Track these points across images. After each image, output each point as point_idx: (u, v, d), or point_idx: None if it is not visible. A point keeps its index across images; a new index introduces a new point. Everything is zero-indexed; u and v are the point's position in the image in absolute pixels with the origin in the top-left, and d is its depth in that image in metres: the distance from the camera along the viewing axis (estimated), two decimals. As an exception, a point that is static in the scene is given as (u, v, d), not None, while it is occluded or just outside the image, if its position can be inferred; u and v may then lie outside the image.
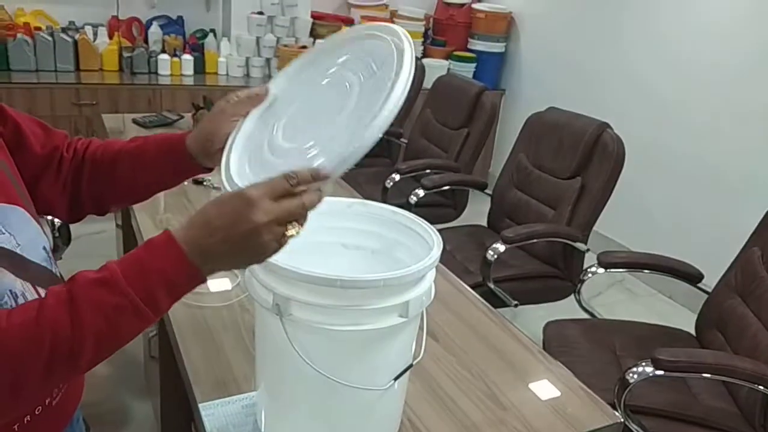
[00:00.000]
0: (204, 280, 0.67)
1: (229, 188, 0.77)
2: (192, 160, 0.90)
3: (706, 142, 3.10)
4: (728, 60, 2.97)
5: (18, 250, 0.74)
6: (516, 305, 2.05)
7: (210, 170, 0.93)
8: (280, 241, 0.68)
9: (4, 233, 0.72)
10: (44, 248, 0.80)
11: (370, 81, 0.81)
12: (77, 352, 0.62)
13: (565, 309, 2.29)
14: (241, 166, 0.82)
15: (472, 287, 1.54)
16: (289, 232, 0.67)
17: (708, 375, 1.47)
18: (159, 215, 1.75)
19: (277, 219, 0.66)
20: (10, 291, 0.70)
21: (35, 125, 0.91)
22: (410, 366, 0.93)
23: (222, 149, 0.85)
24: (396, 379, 0.91)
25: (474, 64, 4.35)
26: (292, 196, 0.67)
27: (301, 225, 0.69)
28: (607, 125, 2.22)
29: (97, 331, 0.62)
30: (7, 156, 0.82)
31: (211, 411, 1.02)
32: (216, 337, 1.21)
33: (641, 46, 3.42)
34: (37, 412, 0.79)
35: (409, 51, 0.79)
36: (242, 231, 0.65)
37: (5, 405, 0.61)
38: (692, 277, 1.95)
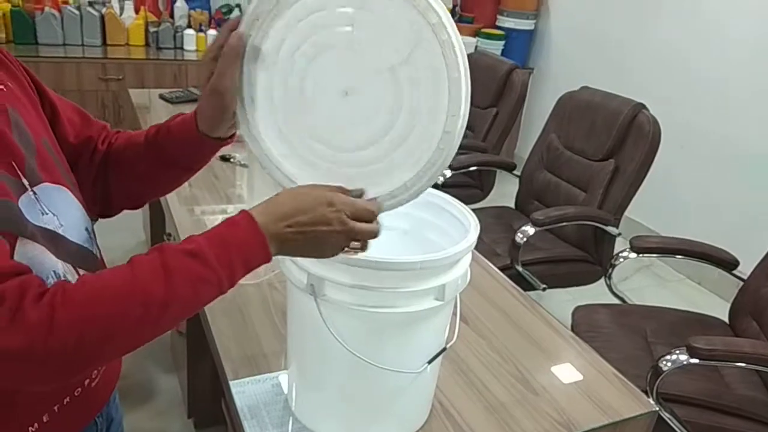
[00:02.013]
0: (270, 260, 0.70)
1: (263, 154, 0.78)
2: (202, 140, 0.85)
3: (744, 124, 2.99)
4: (770, 39, 2.86)
5: (60, 231, 0.73)
6: (544, 289, 2.02)
7: (232, 138, 0.88)
8: (338, 251, 0.74)
9: (47, 213, 0.71)
10: (87, 229, 0.79)
11: (416, 71, 0.73)
12: (163, 315, 0.64)
13: (591, 293, 2.25)
14: (275, 136, 0.79)
15: (500, 270, 1.52)
16: (351, 252, 0.74)
17: (743, 364, 1.43)
18: (185, 191, 1.75)
19: (348, 234, 0.72)
20: (54, 272, 0.70)
21: (74, 113, 0.88)
22: (444, 349, 0.92)
23: (230, 116, 0.81)
24: (430, 362, 0.89)
25: (502, 42, 4.26)
26: (368, 223, 0.74)
27: (363, 250, 0.76)
28: (643, 106, 2.15)
29: (183, 298, 0.65)
30: (50, 134, 0.80)
31: (241, 389, 1.01)
32: (245, 315, 1.21)
33: (678, 24, 3.31)
34: (76, 393, 0.79)
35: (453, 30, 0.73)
36: (319, 229, 0.71)
37: (90, 356, 0.61)
38: (727, 263, 1.90)
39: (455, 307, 0.95)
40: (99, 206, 0.92)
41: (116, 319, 0.61)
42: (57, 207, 0.73)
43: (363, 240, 0.75)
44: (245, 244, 0.68)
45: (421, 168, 0.76)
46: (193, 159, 0.90)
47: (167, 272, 0.64)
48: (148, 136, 0.89)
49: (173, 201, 1.69)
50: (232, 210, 1.72)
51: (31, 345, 0.57)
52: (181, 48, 3.69)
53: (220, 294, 0.68)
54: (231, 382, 1.03)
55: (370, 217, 0.74)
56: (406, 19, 0.72)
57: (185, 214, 1.65)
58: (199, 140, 0.85)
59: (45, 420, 0.75)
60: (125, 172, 0.90)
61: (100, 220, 1.86)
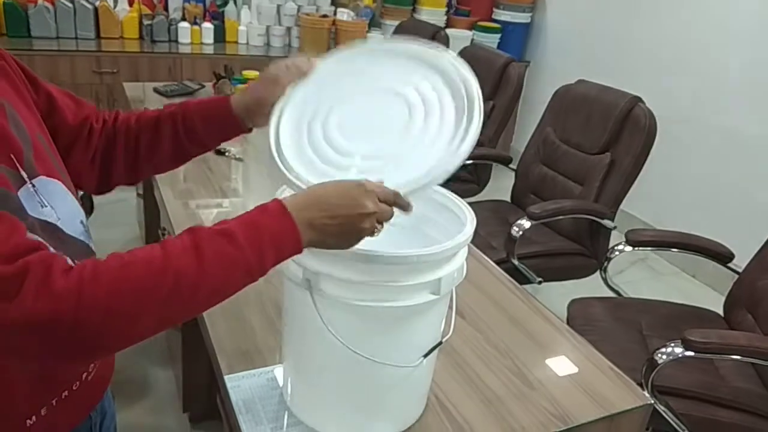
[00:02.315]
0: (300, 251, 0.70)
1: (280, 165, 0.81)
2: (238, 122, 0.94)
3: (740, 117, 3.00)
4: None
5: (59, 224, 0.73)
6: (540, 282, 2.02)
7: (251, 131, 0.97)
8: (368, 235, 0.73)
9: (46, 206, 0.72)
10: (81, 222, 0.79)
11: (436, 103, 0.85)
12: (193, 294, 0.63)
13: (586, 287, 2.26)
14: (294, 148, 0.85)
15: (496, 263, 1.51)
16: (377, 232, 0.74)
17: (738, 357, 1.43)
18: (180, 185, 1.75)
19: (378, 216, 0.73)
20: None
21: (66, 96, 0.91)
22: (439, 343, 0.92)
23: (268, 114, 0.89)
24: (425, 356, 0.89)
25: (498, 35, 4.25)
26: (390, 206, 0.75)
27: (379, 231, 0.76)
28: (639, 99, 2.15)
29: (214, 279, 0.64)
30: (44, 129, 0.81)
31: (236, 383, 1.01)
32: (239, 308, 1.20)
33: (675, 16, 3.30)
34: (74, 388, 0.79)
35: (474, 81, 0.85)
36: (353, 213, 0.71)
37: (118, 332, 0.60)
38: (722, 256, 1.90)
39: (451, 300, 0.95)
40: (96, 182, 0.95)
41: (146, 295, 0.60)
42: (54, 200, 0.74)
43: (383, 222, 0.76)
44: (276, 230, 0.68)
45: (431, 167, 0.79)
46: (217, 138, 0.97)
47: (197, 249, 0.63)
48: (170, 114, 0.95)
49: (168, 195, 1.68)
50: (227, 204, 1.71)
51: (58, 314, 0.56)
52: (176, 41, 3.67)
53: (249, 278, 0.67)
54: (226, 377, 1.03)
55: (396, 199, 0.76)
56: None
57: (180, 208, 1.64)
58: (230, 121, 0.94)
59: (43, 413, 0.75)
60: (140, 145, 0.94)
61: (93, 214, 1.86)
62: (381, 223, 0.75)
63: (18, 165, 0.68)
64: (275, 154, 0.84)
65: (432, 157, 0.79)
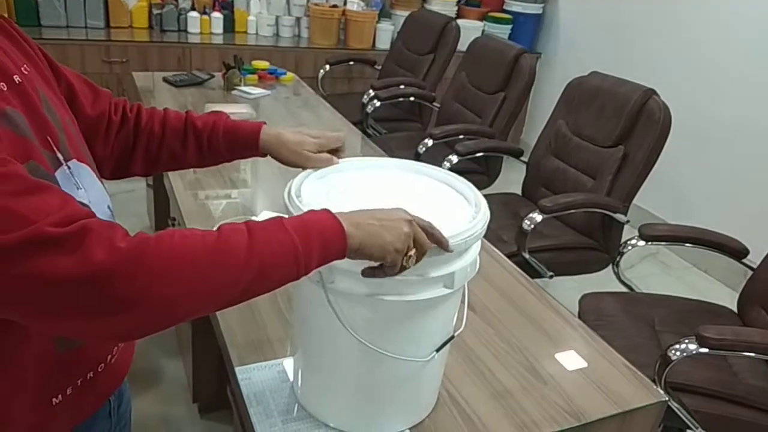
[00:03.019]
0: (345, 249, 0.71)
1: (289, 204, 0.83)
2: (260, 155, 0.99)
3: (756, 111, 2.95)
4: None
5: (91, 207, 0.74)
6: (551, 276, 2.00)
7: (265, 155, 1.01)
8: (399, 245, 0.73)
9: (81, 188, 0.74)
10: (108, 207, 0.81)
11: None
12: (242, 274, 0.64)
13: (596, 281, 2.24)
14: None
15: (507, 257, 1.50)
16: (409, 260, 0.75)
17: (753, 354, 1.41)
18: (190, 175, 1.74)
19: (415, 235, 0.75)
20: None
21: (84, 84, 0.92)
22: (452, 337, 0.90)
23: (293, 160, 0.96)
24: (438, 350, 0.88)
25: (510, 26, 4.20)
26: (426, 237, 0.77)
27: (416, 261, 0.76)
28: (654, 91, 2.12)
29: (262, 263, 0.65)
30: (71, 114, 0.82)
31: (247, 375, 1.00)
32: (251, 301, 1.19)
33: (690, 6, 3.25)
34: (99, 369, 0.80)
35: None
36: (394, 216, 0.74)
37: (167, 301, 0.61)
38: (737, 252, 1.88)
39: (463, 295, 0.93)
40: (111, 171, 0.97)
41: (200, 267, 0.62)
42: (84, 183, 0.75)
43: (420, 250, 0.76)
44: (322, 226, 0.70)
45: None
46: (235, 159, 1.02)
47: (249, 231, 0.66)
48: (197, 130, 0.98)
49: (178, 186, 1.67)
50: (236, 195, 1.71)
51: (120, 267, 0.58)
52: (185, 31, 3.66)
53: (296, 267, 0.68)
54: (237, 369, 1.02)
55: (431, 230, 0.77)
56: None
57: (190, 198, 1.63)
58: (254, 153, 0.99)
59: (68, 393, 0.76)
60: (162, 150, 0.97)
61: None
62: (413, 250, 0.75)
63: (54, 147, 0.70)
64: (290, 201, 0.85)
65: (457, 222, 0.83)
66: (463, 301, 0.93)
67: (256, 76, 2.79)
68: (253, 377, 1.00)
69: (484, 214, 0.85)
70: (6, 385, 0.70)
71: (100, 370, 0.80)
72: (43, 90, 0.74)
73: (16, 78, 0.69)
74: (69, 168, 0.72)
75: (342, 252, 0.71)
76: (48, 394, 0.74)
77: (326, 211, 0.72)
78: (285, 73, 2.93)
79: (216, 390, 1.88)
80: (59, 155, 0.71)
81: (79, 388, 0.77)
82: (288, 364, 1.04)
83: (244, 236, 0.65)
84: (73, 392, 0.76)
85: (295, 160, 0.96)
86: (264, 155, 0.99)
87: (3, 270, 0.55)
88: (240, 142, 0.98)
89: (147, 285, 0.59)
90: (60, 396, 0.75)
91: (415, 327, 0.85)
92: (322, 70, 3.68)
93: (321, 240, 0.69)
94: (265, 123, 1.01)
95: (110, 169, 0.97)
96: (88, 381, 0.78)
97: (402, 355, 0.84)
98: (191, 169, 1.76)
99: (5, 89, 0.66)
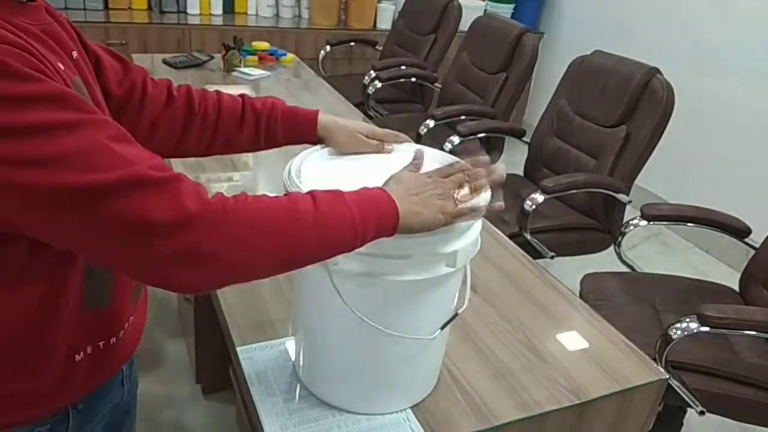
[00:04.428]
0: (394, 233, 0.74)
1: (289, 184, 0.83)
2: (316, 141, 0.99)
3: (761, 91, 2.92)
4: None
5: None
6: (552, 257, 2.00)
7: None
8: (449, 198, 0.78)
9: None
10: None
11: None
12: (307, 241, 0.67)
13: (598, 261, 2.23)
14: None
15: (509, 237, 1.50)
16: (460, 193, 0.80)
17: (754, 333, 1.42)
18: (190, 158, 1.73)
19: (442, 181, 0.80)
20: None
21: (114, 59, 0.92)
22: (455, 316, 0.91)
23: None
24: (442, 328, 0.88)
25: (512, 5, 4.16)
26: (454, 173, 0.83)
27: (471, 191, 0.82)
28: (657, 70, 2.10)
29: (326, 231, 0.68)
30: (103, 97, 0.82)
31: (248, 355, 1.01)
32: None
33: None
34: (120, 335, 0.82)
35: None
36: (420, 181, 0.79)
37: (243, 263, 0.64)
38: (739, 231, 1.87)
39: (465, 272, 0.93)
40: (169, 150, 0.97)
41: (275, 226, 0.65)
42: None
43: (462, 182, 0.82)
44: (379, 203, 0.73)
45: None
46: (291, 143, 1.00)
47: (314, 199, 0.69)
48: (255, 114, 0.97)
49: (179, 168, 1.67)
50: (238, 177, 1.70)
51: (207, 214, 0.61)
52: (185, 12, 3.63)
53: (351, 243, 0.70)
54: (238, 348, 1.03)
55: (452, 171, 0.83)
56: None
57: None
58: (311, 139, 0.98)
59: (89, 351, 0.77)
60: (213, 139, 0.97)
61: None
62: (459, 187, 0.81)
63: None
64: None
65: None
66: (465, 282, 0.93)
67: (256, 58, 2.77)
68: (254, 357, 1.01)
69: (487, 194, 0.85)
70: (44, 333, 0.72)
71: (120, 335, 0.82)
72: (85, 76, 0.77)
73: (74, 54, 0.73)
74: None
75: (393, 229, 0.73)
76: (73, 350, 0.75)
77: (381, 189, 0.75)
78: (285, 54, 2.91)
79: (218, 370, 1.89)
80: None
81: (101, 351, 0.79)
82: (290, 344, 1.04)
83: (310, 203, 0.68)
84: (94, 352, 0.78)
85: (349, 145, 0.97)
86: (318, 141, 0.99)
87: (102, 209, 0.57)
88: (299, 127, 0.98)
89: (229, 240, 0.62)
90: (82, 354, 0.76)
91: (418, 306, 0.85)
92: (322, 51, 3.65)
93: (376, 215, 0.71)
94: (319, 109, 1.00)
95: (156, 147, 0.97)
96: (110, 345, 0.80)
97: (404, 334, 0.84)
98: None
99: (69, 62, 0.70)
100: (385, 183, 0.79)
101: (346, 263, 0.78)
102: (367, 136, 0.98)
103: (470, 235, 0.84)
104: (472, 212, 0.79)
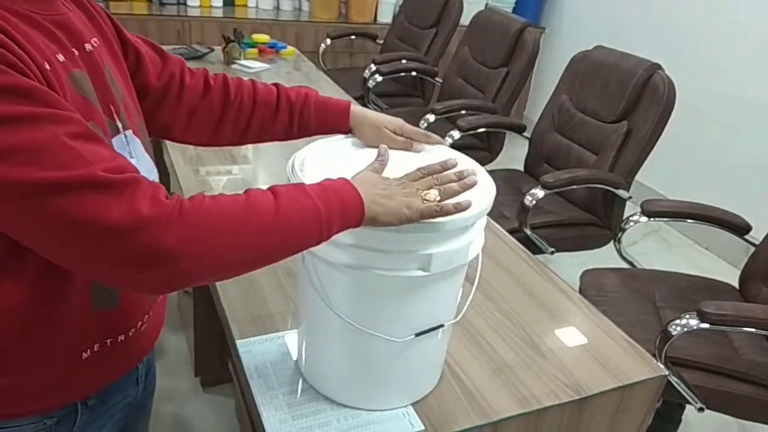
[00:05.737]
0: (361, 223, 0.73)
1: (292, 177, 0.83)
2: (347, 132, 0.99)
3: (760, 85, 2.91)
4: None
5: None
6: (552, 252, 2.00)
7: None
8: (415, 196, 0.77)
9: (133, 158, 0.76)
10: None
11: None
12: (269, 236, 0.66)
13: (598, 257, 2.24)
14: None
15: (508, 233, 1.50)
16: (428, 194, 0.78)
17: (753, 330, 1.42)
18: (190, 150, 1.73)
19: (409, 183, 0.79)
20: None
21: (152, 50, 0.93)
22: (439, 326, 0.89)
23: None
24: (417, 335, 0.87)
25: (513, 0, 4.14)
26: (422, 178, 0.82)
27: (446, 194, 0.80)
28: (659, 66, 2.09)
29: (288, 225, 0.67)
30: (131, 89, 0.83)
31: (248, 348, 1.01)
32: (251, 274, 1.19)
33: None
34: (130, 334, 0.81)
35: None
36: (385, 180, 0.79)
37: (198, 257, 0.63)
38: (739, 228, 1.87)
39: (459, 285, 0.93)
40: (196, 137, 0.98)
41: (232, 226, 0.64)
42: (136, 154, 0.78)
43: (430, 185, 0.80)
44: (342, 193, 0.72)
45: None
46: (322, 133, 1.00)
47: (275, 194, 0.68)
48: (289, 105, 0.97)
49: (178, 161, 1.66)
50: (237, 171, 1.70)
51: (163, 218, 0.60)
52: (185, 4, 3.61)
53: (318, 228, 0.69)
54: (238, 342, 1.02)
55: (421, 175, 0.82)
56: None
57: (190, 174, 1.62)
58: (343, 130, 0.98)
59: (96, 349, 0.77)
60: (247, 128, 0.97)
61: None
62: (427, 190, 0.79)
63: (115, 115, 0.74)
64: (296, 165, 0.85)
65: None
66: (465, 295, 0.92)
67: (256, 50, 2.76)
68: (253, 350, 1.00)
69: (491, 191, 0.85)
70: (49, 330, 0.72)
71: (131, 334, 0.81)
72: (109, 63, 0.77)
73: (88, 46, 0.72)
74: (126, 137, 0.76)
75: (359, 219, 0.72)
76: (79, 347, 0.75)
77: (344, 179, 0.74)
78: (285, 47, 2.90)
79: (218, 364, 1.90)
80: (118, 123, 0.74)
81: (109, 348, 0.78)
82: (289, 337, 1.04)
83: (270, 198, 0.67)
84: (101, 350, 0.77)
85: (374, 139, 0.96)
86: (348, 132, 0.99)
87: (53, 207, 0.57)
88: (331, 118, 0.98)
89: (185, 240, 0.61)
90: (89, 351, 0.76)
91: (396, 306, 0.83)
92: (323, 45, 3.63)
93: (341, 206, 0.70)
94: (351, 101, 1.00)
95: (194, 136, 0.98)
96: (119, 343, 0.79)
97: (384, 334, 0.83)
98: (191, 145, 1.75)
99: (77, 54, 0.69)
100: (351, 178, 0.78)
101: (341, 257, 0.78)
102: (395, 132, 0.97)
103: (476, 230, 0.83)
104: (438, 211, 0.76)
